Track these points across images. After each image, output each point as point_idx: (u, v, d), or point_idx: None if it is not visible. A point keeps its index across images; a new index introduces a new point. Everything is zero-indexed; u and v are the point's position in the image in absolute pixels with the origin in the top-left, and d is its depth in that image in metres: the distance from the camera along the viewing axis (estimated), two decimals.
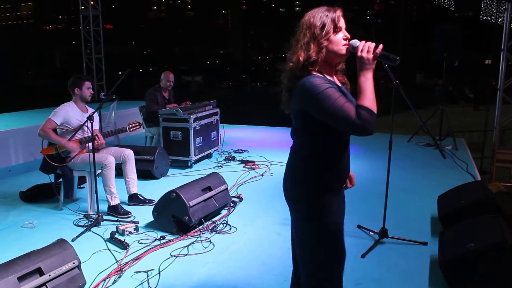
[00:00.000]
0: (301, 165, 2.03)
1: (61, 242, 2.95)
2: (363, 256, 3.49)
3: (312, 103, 1.85)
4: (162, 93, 6.72)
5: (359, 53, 1.89)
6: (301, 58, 1.91)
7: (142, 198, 4.75)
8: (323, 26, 1.92)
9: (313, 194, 1.99)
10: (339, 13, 1.96)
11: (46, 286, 2.71)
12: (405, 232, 3.87)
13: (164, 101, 6.70)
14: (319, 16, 1.94)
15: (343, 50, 1.94)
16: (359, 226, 4.07)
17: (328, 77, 1.96)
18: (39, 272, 2.70)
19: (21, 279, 2.60)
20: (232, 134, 8.66)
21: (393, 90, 3.48)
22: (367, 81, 1.85)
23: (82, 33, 11.50)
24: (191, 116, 6.10)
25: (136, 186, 4.76)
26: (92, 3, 11.42)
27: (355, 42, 1.93)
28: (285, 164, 2.14)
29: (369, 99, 1.82)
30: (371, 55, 1.87)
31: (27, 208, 4.77)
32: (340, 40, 1.94)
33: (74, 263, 2.89)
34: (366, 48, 1.88)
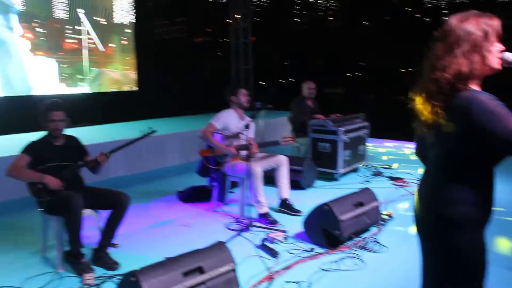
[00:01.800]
0: (449, 194, 1.74)
1: (220, 245, 3.07)
2: None
3: (482, 123, 1.59)
4: (306, 103, 6.79)
5: None
6: (464, 69, 1.67)
7: (291, 207, 4.78)
8: (486, 34, 1.68)
9: (461, 229, 1.72)
10: (499, 21, 1.71)
11: (206, 284, 2.83)
12: None
13: (309, 110, 6.73)
14: (478, 23, 1.70)
15: (498, 64, 1.70)
16: None
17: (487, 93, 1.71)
18: (200, 270, 2.83)
19: (185, 274, 2.75)
20: (379, 148, 8.38)
21: None
22: None
23: (232, 45, 12.13)
24: (341, 129, 6.02)
25: (288, 192, 4.80)
26: (239, 16, 11.98)
27: (509, 55, 1.70)
28: (421, 189, 1.89)
29: None
30: None
31: (183, 208, 5.11)
32: (497, 51, 1.70)
33: (231, 265, 2.99)
34: None
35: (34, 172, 3.50)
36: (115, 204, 3.62)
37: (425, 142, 1.87)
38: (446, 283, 1.80)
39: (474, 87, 1.71)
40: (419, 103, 1.81)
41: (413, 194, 5.49)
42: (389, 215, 4.67)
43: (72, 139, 3.84)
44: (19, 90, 8.34)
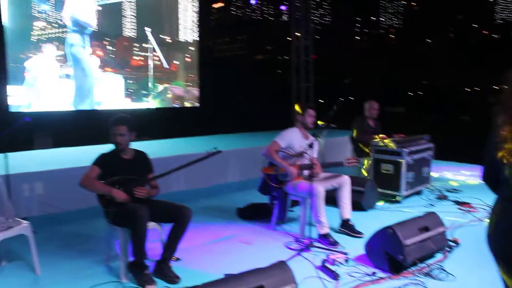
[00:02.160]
0: None
1: (282, 264, 3.05)
2: None
3: None
4: (368, 122, 6.68)
5: None
6: None
7: (353, 228, 4.69)
8: None
9: None
10: None
11: None
12: None
13: (371, 130, 6.62)
14: None
15: None
16: None
17: None
18: None
19: None
20: (444, 171, 8.08)
21: None
22: None
23: (293, 63, 12.17)
24: (405, 150, 5.86)
25: (350, 212, 4.72)
26: (300, 34, 12.02)
27: None
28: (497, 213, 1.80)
29: None
30: None
31: (243, 224, 5.13)
32: None
33: (292, 286, 2.95)
34: None
35: (103, 184, 3.64)
36: (177, 218, 3.69)
37: (498, 165, 1.78)
38: None
39: None
40: (506, 131, 1.73)
41: (481, 220, 5.26)
42: (456, 242, 4.46)
43: (140, 154, 3.95)
44: (87, 104, 8.78)
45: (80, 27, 8.47)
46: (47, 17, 8.12)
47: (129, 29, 9.33)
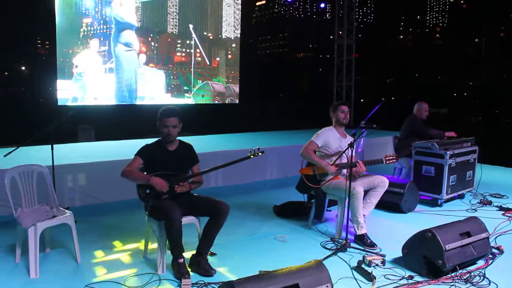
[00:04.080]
0: None
1: (318, 264, 3.03)
2: None
3: None
4: (418, 123, 6.51)
5: None
6: None
7: (367, 238, 4.44)
8: None
9: None
10: None
11: None
12: None
13: (421, 132, 6.45)
14: None
15: None
16: None
17: None
18: None
19: None
20: (489, 175, 7.83)
21: None
22: None
23: (336, 61, 12.07)
24: (448, 152, 5.71)
25: (369, 211, 4.64)
26: (341, 32, 11.89)
27: None
28: None
29: None
30: None
31: (279, 222, 5.13)
32: None
33: (328, 286, 2.93)
34: None
35: (142, 173, 3.72)
36: (214, 213, 3.73)
37: None
38: None
39: None
40: None
41: None
42: (499, 249, 4.31)
43: (186, 146, 4.00)
44: (129, 99, 8.99)
45: (124, 24, 8.68)
46: (93, 14, 8.36)
47: (172, 25, 9.48)
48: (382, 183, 4.60)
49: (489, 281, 3.64)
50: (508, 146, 11.02)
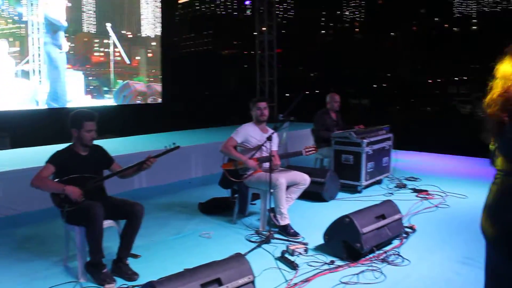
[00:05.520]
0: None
1: (239, 256, 3.06)
2: None
3: None
4: (330, 115, 6.75)
5: None
6: None
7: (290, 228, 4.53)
8: None
9: None
10: None
11: None
12: None
13: (332, 123, 6.70)
14: None
15: None
16: None
17: None
18: (219, 282, 2.82)
19: (203, 286, 2.75)
20: (404, 161, 8.28)
21: None
22: None
23: (257, 57, 12.19)
24: (364, 141, 5.96)
25: (290, 205, 4.71)
26: (264, 28, 12.05)
27: None
28: (487, 199, 1.88)
29: None
30: None
31: (204, 219, 5.12)
32: None
33: (249, 278, 2.97)
34: None
35: (56, 183, 3.56)
36: (130, 215, 3.65)
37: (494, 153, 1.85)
38: None
39: None
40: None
41: (437, 206, 5.43)
42: (412, 228, 4.58)
43: (97, 149, 3.87)
44: (47, 103, 8.57)
45: (50, 24, 8.28)
46: (1, 13, 7.88)
47: (89, 24, 9.14)
48: (304, 180, 4.71)
49: (403, 258, 3.86)
50: (422, 132, 11.74)
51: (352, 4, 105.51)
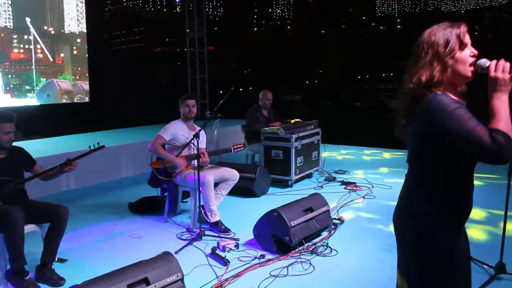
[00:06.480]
0: (420, 196, 1.81)
1: (166, 255, 3.03)
2: None
3: (440, 124, 1.66)
4: (262, 112, 6.83)
5: (492, 74, 1.66)
6: (423, 78, 1.72)
7: (221, 225, 4.56)
8: (447, 43, 1.73)
9: (431, 230, 1.78)
10: (464, 28, 1.76)
11: None
12: None
13: (264, 120, 6.78)
14: (442, 32, 1.75)
15: (468, 72, 1.75)
16: (471, 258, 3.73)
17: (454, 98, 1.76)
18: (146, 282, 2.78)
19: (130, 286, 2.70)
20: (333, 155, 8.53)
21: None
22: (502, 103, 1.63)
23: (188, 55, 12.09)
24: (293, 136, 6.09)
25: (220, 201, 4.76)
26: (194, 26, 11.97)
27: (485, 61, 1.72)
28: (400, 192, 1.96)
29: (504, 123, 1.59)
30: (507, 76, 1.64)
31: (135, 219, 5.03)
32: (466, 58, 1.74)
33: (178, 276, 2.95)
34: (500, 68, 1.66)
35: None
36: (53, 218, 3.51)
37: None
38: (420, 283, 1.85)
39: (442, 93, 1.73)
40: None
41: (364, 198, 5.65)
42: (341, 220, 4.74)
43: (17, 150, 3.70)
44: None
45: None
46: None
47: (5, 18, 8.64)
48: (233, 176, 4.74)
49: (331, 249, 3.99)
50: (351, 127, 12.14)
51: (281, 2, 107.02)
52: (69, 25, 9.89)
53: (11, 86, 8.80)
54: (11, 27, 8.75)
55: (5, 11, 8.61)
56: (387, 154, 8.82)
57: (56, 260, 3.61)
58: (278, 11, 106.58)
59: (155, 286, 2.79)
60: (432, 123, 1.70)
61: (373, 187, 6.12)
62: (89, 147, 3.77)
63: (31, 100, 9.13)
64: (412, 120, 1.80)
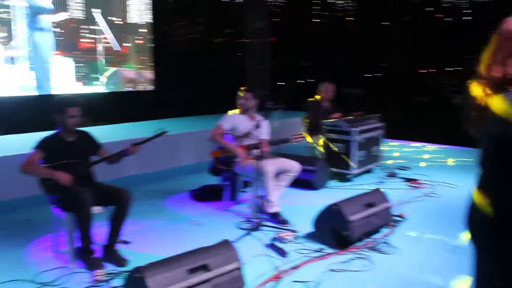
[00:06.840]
0: (496, 197, 1.65)
1: (226, 243, 3.07)
2: None
3: None
4: (322, 104, 6.74)
5: None
6: (497, 74, 1.60)
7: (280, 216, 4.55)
8: None
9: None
10: None
11: (210, 282, 2.83)
12: None
13: (325, 111, 6.68)
14: None
15: None
16: None
17: None
18: (206, 268, 2.83)
19: (190, 271, 2.75)
20: (395, 150, 8.30)
21: None
22: None
23: (249, 45, 12.12)
24: (355, 129, 5.96)
25: (280, 193, 4.71)
26: (255, 16, 11.96)
27: None
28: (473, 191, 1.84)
29: None
30: None
31: (196, 206, 5.12)
32: None
33: (237, 264, 2.98)
34: None
35: (46, 168, 3.54)
36: (117, 201, 3.63)
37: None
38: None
39: None
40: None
41: (427, 195, 5.45)
42: (402, 217, 4.60)
43: (83, 135, 3.86)
44: (37, 89, 8.47)
45: (36, 8, 8.15)
46: None
47: (75, 10, 9.01)
48: (293, 168, 4.70)
49: (392, 246, 3.88)
50: (414, 122, 11.73)
51: None
52: (134, 15, 10.18)
53: (81, 74, 9.18)
54: (82, 18, 9.11)
55: (76, 3, 8.97)
56: (451, 152, 8.47)
57: (120, 241, 3.75)
58: (341, 2, 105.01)
59: (214, 273, 2.83)
60: (505, 124, 1.54)
61: (436, 185, 5.89)
62: (153, 132, 3.89)
63: (99, 88, 9.51)
64: (486, 119, 1.65)
